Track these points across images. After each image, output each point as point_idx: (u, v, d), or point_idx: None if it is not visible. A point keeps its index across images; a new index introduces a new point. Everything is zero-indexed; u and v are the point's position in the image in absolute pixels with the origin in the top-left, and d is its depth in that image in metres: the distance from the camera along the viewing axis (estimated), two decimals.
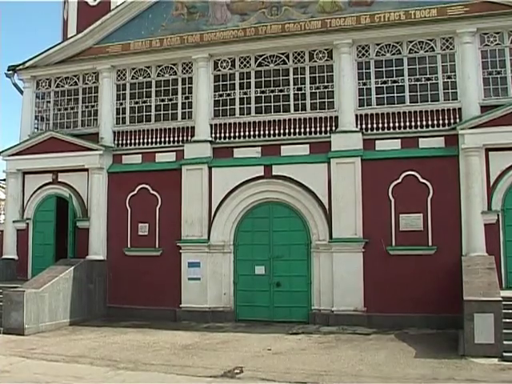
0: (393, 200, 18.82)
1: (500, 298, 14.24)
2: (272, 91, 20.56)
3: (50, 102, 23.76)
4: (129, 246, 21.59)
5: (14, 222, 23.12)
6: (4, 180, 25.14)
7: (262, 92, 20.67)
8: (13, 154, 23.12)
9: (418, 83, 19.29)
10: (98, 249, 21.72)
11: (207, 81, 21.17)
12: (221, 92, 21.13)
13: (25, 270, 22.81)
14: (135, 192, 21.69)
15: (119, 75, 22.60)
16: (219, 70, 21.26)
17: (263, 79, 20.71)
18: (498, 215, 17.92)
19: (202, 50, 21.14)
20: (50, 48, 23.35)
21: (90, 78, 23.06)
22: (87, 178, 22.31)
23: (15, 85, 24.00)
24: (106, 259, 21.75)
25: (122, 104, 22.45)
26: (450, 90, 18.99)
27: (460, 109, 18.73)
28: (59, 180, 22.81)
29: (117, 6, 23.11)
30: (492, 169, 18.11)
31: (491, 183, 18.07)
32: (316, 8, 20.22)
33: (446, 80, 19.09)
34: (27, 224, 23.05)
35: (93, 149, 21.94)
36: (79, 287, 20.35)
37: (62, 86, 23.49)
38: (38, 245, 22.82)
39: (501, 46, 18.76)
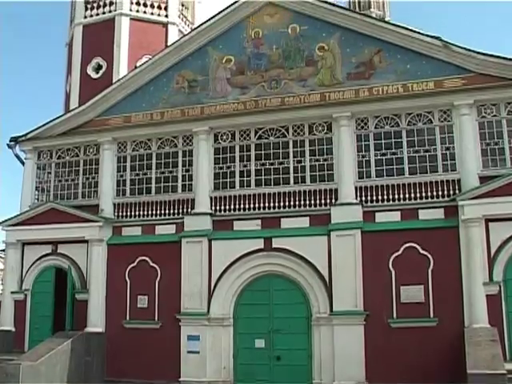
0: (393, 272, 19.16)
1: (504, 371, 14.46)
2: (272, 164, 21.17)
3: (50, 173, 24.35)
4: (128, 318, 21.79)
5: (12, 293, 23.35)
6: (3, 250, 25.60)
7: (262, 165, 21.28)
8: (13, 225, 23.56)
9: (417, 155, 19.88)
10: (96, 321, 21.91)
11: (207, 153, 21.82)
12: (221, 165, 21.75)
13: (22, 341, 22.92)
14: (135, 264, 22.04)
15: (120, 147, 23.28)
16: (219, 143, 21.94)
17: (263, 152, 21.36)
18: (500, 286, 18.16)
19: (203, 123, 21.89)
20: (52, 120, 24.11)
21: (91, 150, 23.75)
22: (87, 249, 22.66)
23: (17, 156, 24.65)
24: (104, 332, 21.91)
25: (122, 176, 23.05)
26: (448, 162, 19.57)
27: (459, 180, 19.26)
28: (59, 251, 23.17)
29: (119, 80, 24.07)
30: (492, 239, 18.46)
31: (492, 254, 18.39)
32: (315, 81, 21.04)
33: (444, 151, 19.69)
34: (25, 295, 23.25)
35: (93, 220, 22.41)
36: (77, 360, 20.47)
37: (63, 158, 24.14)
38: (36, 316, 23.00)
39: (498, 118, 19.44)
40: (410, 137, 20.12)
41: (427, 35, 20.40)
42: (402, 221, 19.55)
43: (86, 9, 30.10)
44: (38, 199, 24.45)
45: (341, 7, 21.93)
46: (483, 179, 18.93)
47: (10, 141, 24.50)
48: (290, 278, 20.35)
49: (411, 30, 20.61)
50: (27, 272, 23.56)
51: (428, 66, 20.07)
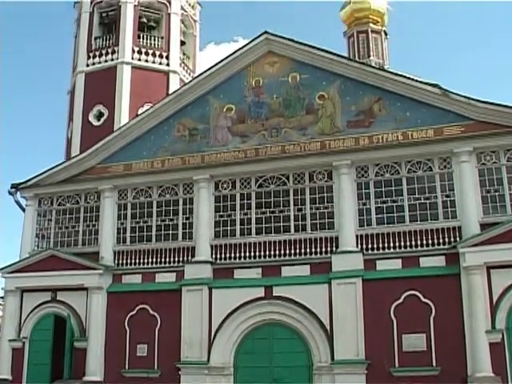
0: (395, 320, 19.16)
1: None
2: (272, 212, 21.35)
3: (51, 220, 24.46)
4: (127, 367, 21.70)
5: (9, 341, 23.22)
6: (2, 298, 25.58)
7: (263, 213, 21.45)
8: (12, 272, 23.59)
9: (418, 202, 20.05)
10: (95, 369, 21.79)
11: (208, 201, 22.00)
12: (221, 213, 21.91)
13: None
14: (134, 312, 22.02)
15: (121, 195, 23.44)
16: (220, 191, 22.13)
17: (264, 200, 21.54)
18: (503, 334, 18.13)
19: (203, 171, 22.12)
20: (53, 167, 24.36)
21: (91, 197, 23.90)
22: (86, 296, 22.66)
23: (17, 202, 24.80)
24: (103, 380, 21.79)
25: (122, 224, 23.17)
26: (449, 209, 19.73)
27: (460, 227, 19.38)
28: (58, 298, 23.11)
29: (120, 128, 24.41)
30: (494, 286, 18.50)
31: (494, 301, 18.40)
32: (315, 130, 21.36)
33: (444, 199, 19.86)
34: (23, 343, 23.13)
35: (93, 268, 22.48)
36: None
37: (64, 205, 24.28)
38: (34, 364, 22.83)
39: (497, 165, 19.66)
40: (410, 184, 20.33)
41: (426, 83, 20.83)
42: (403, 268, 19.65)
43: (89, 57, 30.63)
44: (38, 246, 24.51)
45: (341, 56, 22.32)
46: (484, 226, 19.05)
47: (11, 187, 24.69)
48: (290, 326, 20.34)
49: (410, 79, 21.03)
50: (26, 319, 23.45)
51: (427, 114, 20.37)
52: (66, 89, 32.60)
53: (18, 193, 24.74)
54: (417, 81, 20.96)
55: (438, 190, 20.02)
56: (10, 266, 23.80)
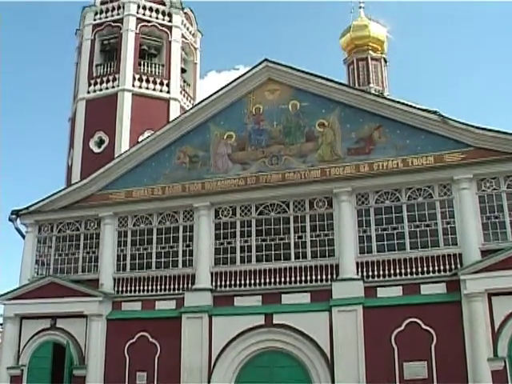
0: (396, 348, 19.09)
1: None
2: (273, 239, 21.37)
3: (51, 246, 24.46)
4: None
5: (8, 368, 23.08)
6: (1, 325, 25.50)
7: (263, 240, 21.47)
8: (11, 298, 23.55)
9: (418, 229, 20.07)
10: None
11: (208, 229, 22.03)
12: (222, 240, 21.93)
13: None
14: (134, 340, 21.93)
15: (121, 222, 23.48)
16: (220, 218, 22.16)
17: (264, 227, 21.55)
18: (505, 361, 18.04)
19: (204, 198, 22.17)
20: (54, 194, 24.42)
21: (91, 224, 23.93)
22: (86, 324, 22.61)
23: (17, 229, 24.81)
24: None
25: (122, 251, 23.18)
26: (449, 236, 19.74)
27: (460, 254, 19.40)
28: (57, 326, 23.04)
29: (120, 155, 24.53)
30: (496, 314, 18.46)
31: (496, 328, 18.35)
32: (315, 157, 21.46)
33: (445, 226, 19.88)
34: (22, 370, 23.00)
35: (92, 295, 22.45)
36: None
37: (64, 231, 24.30)
38: None
39: (498, 191, 19.71)
40: (410, 211, 20.35)
41: (425, 110, 20.93)
42: (404, 296, 19.62)
43: (90, 84, 30.88)
44: (37, 273, 24.47)
45: (340, 83, 22.50)
46: (485, 253, 19.06)
47: (12, 214, 24.71)
48: (291, 354, 20.25)
49: (409, 106, 21.16)
50: (25, 347, 23.35)
51: (427, 141, 20.48)
52: (66, 115, 32.85)
53: (19, 219, 24.74)
54: (416, 108, 21.10)
55: (439, 217, 20.04)
56: (9, 292, 23.76)
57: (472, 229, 19.43)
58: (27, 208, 24.64)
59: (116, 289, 22.90)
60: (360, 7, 38.15)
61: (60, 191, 24.72)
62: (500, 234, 19.44)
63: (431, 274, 19.52)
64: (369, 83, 35.33)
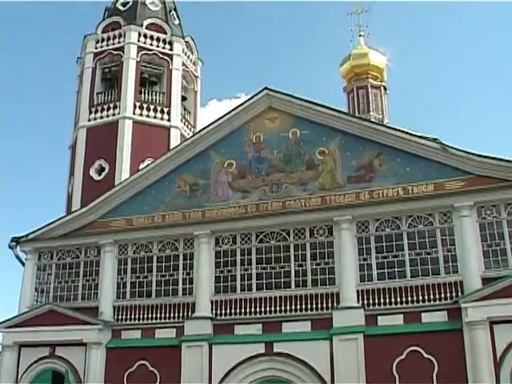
0: (397, 377, 18.97)
1: None
2: (273, 267, 21.33)
3: (50, 274, 24.42)
4: None
5: None
6: None
7: (263, 268, 21.44)
8: (10, 326, 23.46)
9: (419, 257, 20.05)
10: None
11: (208, 257, 22.02)
12: (222, 268, 21.91)
13: None
14: (133, 368, 21.80)
15: (121, 249, 23.47)
16: (220, 246, 22.17)
17: (264, 255, 21.54)
18: None
19: (204, 226, 22.20)
20: (54, 221, 24.45)
21: (91, 252, 23.91)
22: (85, 352, 22.45)
23: (17, 256, 24.75)
24: None
25: (122, 278, 23.13)
26: (450, 264, 19.72)
27: (461, 282, 19.36)
28: (56, 354, 22.89)
29: (121, 182, 24.63)
30: (498, 342, 18.31)
31: (498, 357, 18.19)
32: (316, 185, 21.51)
33: (446, 253, 19.86)
34: None
35: (92, 323, 22.36)
36: None
37: (64, 259, 24.25)
38: None
39: (498, 219, 19.72)
40: (411, 239, 20.35)
41: (425, 138, 21.00)
42: (405, 324, 19.55)
43: (91, 112, 31.09)
44: (37, 300, 24.41)
45: (341, 112, 22.67)
46: (486, 281, 19.03)
47: (12, 241, 24.68)
48: (291, 383, 20.14)
49: (409, 134, 21.28)
50: (23, 375, 23.15)
51: (427, 169, 20.54)
52: (67, 143, 32.98)
53: (18, 247, 24.70)
54: (416, 136, 21.19)
55: (439, 245, 20.03)
56: (8, 320, 23.67)
57: (473, 256, 19.42)
58: (27, 235, 24.63)
59: (116, 317, 22.81)
60: (360, 35, 38.43)
61: (60, 219, 24.77)
62: (501, 262, 19.40)
63: (432, 302, 19.45)
64: (369, 111, 35.49)
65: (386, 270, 20.29)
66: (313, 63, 79.28)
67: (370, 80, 36.88)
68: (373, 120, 29.42)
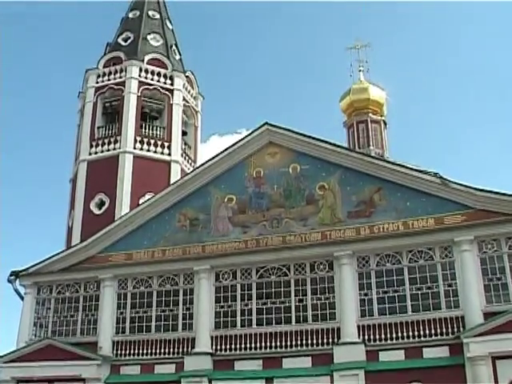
0: None
1: None
2: (273, 303, 21.28)
3: (49, 308, 24.32)
4: None
5: None
6: None
7: (264, 303, 21.39)
8: (8, 361, 23.24)
9: (420, 292, 20.03)
10: None
11: (208, 292, 21.97)
12: (222, 303, 21.84)
13: None
14: None
15: (121, 284, 23.40)
16: (220, 282, 22.13)
17: (264, 290, 21.51)
18: None
19: (204, 261, 22.22)
20: (54, 255, 24.44)
21: (91, 286, 23.83)
22: None
23: (16, 290, 24.65)
24: None
25: (122, 313, 23.04)
26: (451, 298, 19.69)
27: (463, 317, 19.32)
28: None
29: (121, 217, 24.70)
30: (500, 377, 18.22)
31: None
32: (316, 220, 21.58)
33: (447, 288, 19.84)
34: None
35: (91, 358, 22.26)
36: None
37: (63, 293, 24.16)
38: None
39: (499, 253, 19.74)
40: (411, 274, 20.35)
41: (425, 172, 21.14)
42: (406, 359, 19.47)
43: (91, 146, 31.26)
44: (35, 335, 24.26)
45: (341, 147, 22.87)
46: (487, 315, 18.99)
47: (11, 275, 24.59)
48: None
49: (409, 168, 21.44)
50: None
51: (427, 203, 20.62)
52: (67, 176, 33.08)
53: (17, 280, 24.60)
54: (416, 170, 21.32)
55: (440, 279, 20.03)
56: (6, 355, 23.49)
57: (474, 291, 19.40)
58: (27, 269, 24.56)
59: (115, 352, 22.69)
60: (359, 70, 38.75)
61: (60, 253, 24.77)
62: (503, 296, 19.38)
63: (433, 337, 19.42)
64: (369, 145, 35.67)
65: (386, 305, 20.25)
66: (313, 98, 79.82)
67: (370, 114, 37.17)
68: (373, 155, 29.67)
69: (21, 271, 24.60)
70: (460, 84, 76.99)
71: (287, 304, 21.17)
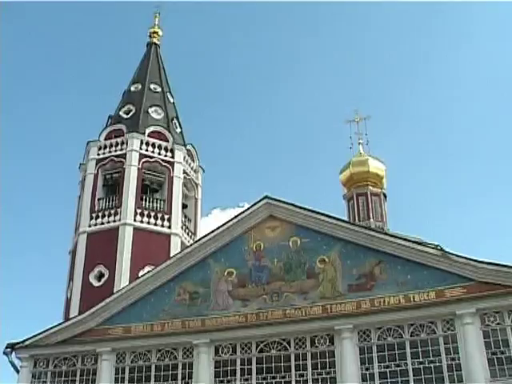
0: None
1: None
2: (274, 377, 20.95)
3: (46, 382, 23.82)
4: None
5: None
6: None
7: (264, 378, 21.04)
8: None
9: (422, 366, 19.72)
10: None
11: (208, 366, 21.63)
12: (221, 378, 21.49)
13: None
14: None
15: (119, 358, 23.05)
16: (220, 356, 21.83)
17: (264, 365, 21.20)
18: None
19: (203, 335, 21.96)
20: (51, 328, 24.15)
21: (88, 360, 23.42)
22: None
23: (12, 363, 24.22)
24: None
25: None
26: (454, 372, 19.36)
27: None
28: None
29: (120, 289, 24.54)
30: None
31: None
32: (317, 294, 21.48)
33: (449, 362, 19.54)
34: None
35: None
36: None
37: (60, 367, 23.76)
38: None
39: (502, 326, 19.54)
40: (413, 348, 20.10)
41: (426, 245, 21.19)
42: None
43: (91, 218, 31.46)
44: None
45: (341, 220, 22.96)
46: None
47: (7, 347, 24.19)
48: None
49: (410, 241, 21.49)
50: None
51: (428, 276, 20.58)
52: (67, 248, 33.15)
53: (13, 353, 24.20)
54: (417, 243, 21.40)
55: (443, 353, 19.76)
56: None
57: (477, 365, 19.14)
58: (23, 342, 24.22)
59: None
60: (359, 143, 39.24)
61: (57, 325, 24.51)
62: (507, 370, 19.10)
63: None
64: (369, 218, 35.83)
65: (388, 380, 19.95)
66: (313, 171, 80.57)
67: (370, 187, 37.45)
68: (373, 227, 29.77)
69: (17, 343, 24.24)
70: (459, 155, 77.75)
71: (287, 379, 20.83)
